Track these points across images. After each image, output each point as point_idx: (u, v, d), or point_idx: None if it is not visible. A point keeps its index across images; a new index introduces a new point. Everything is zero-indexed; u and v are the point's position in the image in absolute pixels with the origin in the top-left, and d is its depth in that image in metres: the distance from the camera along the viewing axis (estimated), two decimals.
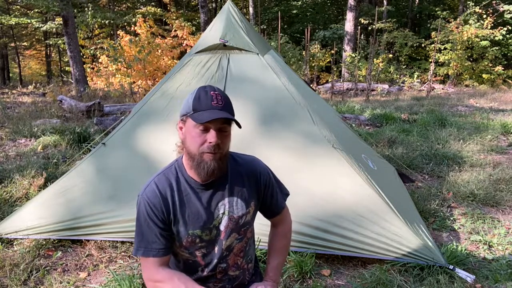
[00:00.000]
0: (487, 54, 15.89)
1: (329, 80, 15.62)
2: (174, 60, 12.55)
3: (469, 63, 15.87)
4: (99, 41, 15.43)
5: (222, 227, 1.46)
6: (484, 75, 15.66)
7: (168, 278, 1.38)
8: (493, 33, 15.64)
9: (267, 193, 1.55)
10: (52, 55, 28.06)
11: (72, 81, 14.40)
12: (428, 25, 18.43)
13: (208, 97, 1.33)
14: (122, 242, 2.96)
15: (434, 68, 13.90)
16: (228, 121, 1.34)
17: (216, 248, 1.48)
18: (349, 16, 16.38)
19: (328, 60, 16.19)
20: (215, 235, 1.47)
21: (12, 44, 24.25)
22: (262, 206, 1.57)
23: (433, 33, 16.22)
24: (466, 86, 15.67)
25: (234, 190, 1.47)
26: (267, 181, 1.53)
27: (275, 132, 3.04)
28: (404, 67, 17.44)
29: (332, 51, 15.18)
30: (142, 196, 1.41)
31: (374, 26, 13.76)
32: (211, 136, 1.31)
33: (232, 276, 1.55)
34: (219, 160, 1.35)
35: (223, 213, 1.46)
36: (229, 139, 1.39)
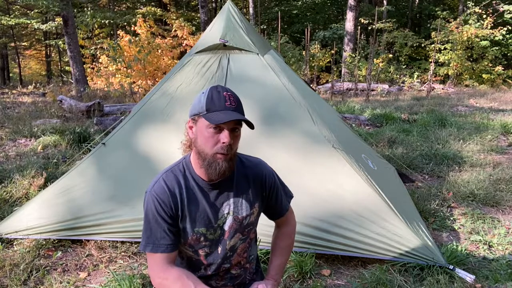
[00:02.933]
0: (487, 54, 15.90)
1: (329, 80, 15.61)
2: (174, 60, 12.54)
3: (469, 63, 15.88)
4: (99, 41, 15.44)
5: (226, 227, 1.47)
6: (484, 75, 15.67)
7: (175, 277, 1.38)
8: (493, 33, 15.66)
9: (271, 196, 1.56)
10: (52, 55, 28.05)
11: (72, 81, 14.40)
12: (428, 25, 18.46)
13: (221, 98, 1.33)
14: (122, 242, 2.96)
15: (434, 68, 13.89)
16: (240, 122, 1.35)
17: (219, 249, 1.49)
18: (349, 16, 16.38)
19: (328, 60, 16.19)
20: (219, 235, 1.47)
21: (12, 44, 24.23)
22: (266, 208, 1.59)
23: (433, 33, 16.23)
24: (466, 86, 15.68)
25: (239, 191, 1.48)
26: (272, 184, 1.55)
27: (275, 132, 3.03)
28: (404, 67, 17.44)
29: (332, 51, 15.17)
30: (150, 192, 1.41)
31: (374, 26, 13.75)
32: (224, 136, 1.32)
33: (234, 274, 1.57)
34: (230, 160, 1.36)
35: (228, 213, 1.47)
36: (239, 139, 1.40)
